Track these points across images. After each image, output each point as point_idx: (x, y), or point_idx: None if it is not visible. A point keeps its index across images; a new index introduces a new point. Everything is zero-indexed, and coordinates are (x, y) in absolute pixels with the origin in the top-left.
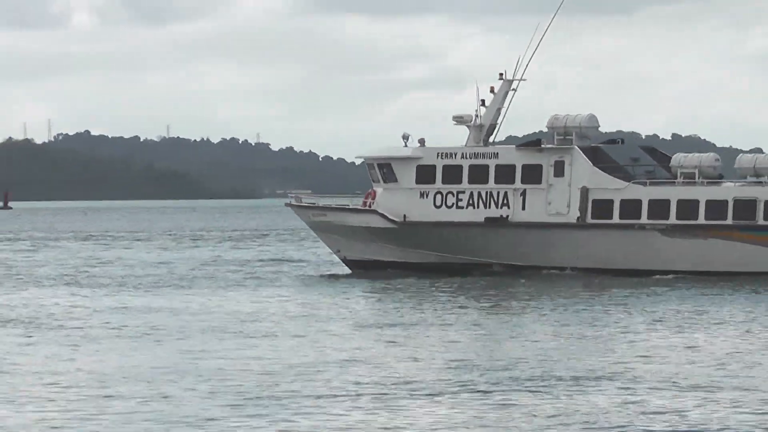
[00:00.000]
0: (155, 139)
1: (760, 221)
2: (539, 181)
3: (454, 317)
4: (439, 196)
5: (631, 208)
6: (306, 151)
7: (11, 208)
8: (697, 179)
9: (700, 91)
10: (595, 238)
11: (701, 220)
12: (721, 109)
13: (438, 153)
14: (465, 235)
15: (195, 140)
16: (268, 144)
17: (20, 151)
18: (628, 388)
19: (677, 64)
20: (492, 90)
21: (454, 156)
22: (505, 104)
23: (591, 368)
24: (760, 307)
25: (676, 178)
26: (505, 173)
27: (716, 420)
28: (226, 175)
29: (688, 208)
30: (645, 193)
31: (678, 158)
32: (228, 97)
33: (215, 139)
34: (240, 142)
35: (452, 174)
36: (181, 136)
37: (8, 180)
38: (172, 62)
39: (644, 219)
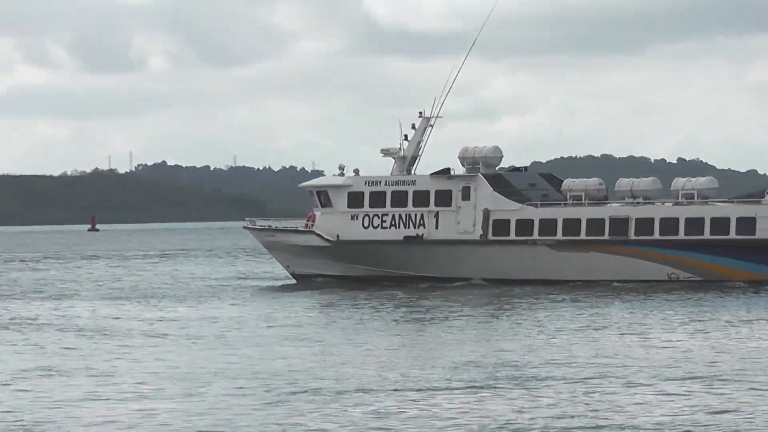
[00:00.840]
0: (224, 168)
1: (632, 236)
2: (449, 204)
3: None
4: (366, 218)
5: (524, 226)
6: None
7: (98, 230)
8: (584, 201)
9: (703, 118)
10: (495, 252)
11: (583, 236)
12: (722, 135)
13: (366, 181)
14: (387, 251)
15: (258, 168)
16: (322, 171)
17: (105, 179)
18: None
19: (684, 95)
20: (413, 126)
21: (379, 183)
22: (424, 138)
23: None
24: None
25: (566, 200)
26: (421, 198)
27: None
28: (285, 198)
29: (572, 225)
30: (536, 214)
31: (567, 183)
32: (287, 129)
33: (276, 167)
34: (298, 169)
35: (377, 199)
36: (246, 165)
37: (95, 205)
38: (237, 99)
39: (536, 236)
